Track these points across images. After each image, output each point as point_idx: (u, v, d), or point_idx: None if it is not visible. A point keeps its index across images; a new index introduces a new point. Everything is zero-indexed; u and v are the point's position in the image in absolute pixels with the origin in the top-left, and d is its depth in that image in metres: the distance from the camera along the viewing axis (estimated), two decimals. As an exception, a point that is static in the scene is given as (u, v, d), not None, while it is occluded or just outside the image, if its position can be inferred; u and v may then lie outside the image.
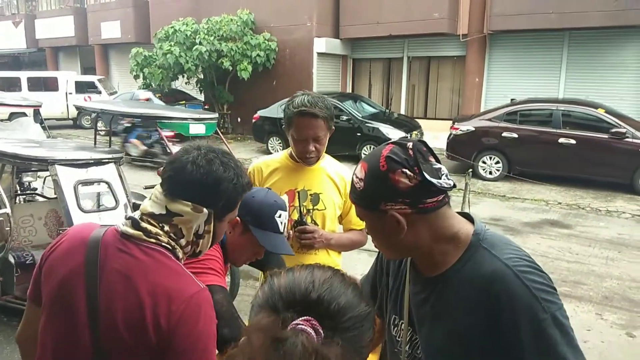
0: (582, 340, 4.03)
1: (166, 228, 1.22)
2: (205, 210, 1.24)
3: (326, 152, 2.34)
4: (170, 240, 1.23)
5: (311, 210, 2.24)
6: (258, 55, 14.82)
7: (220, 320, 1.36)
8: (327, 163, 2.32)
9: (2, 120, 10.35)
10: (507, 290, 1.04)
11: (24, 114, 8.36)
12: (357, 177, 1.14)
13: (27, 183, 5.76)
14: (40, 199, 5.51)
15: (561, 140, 9.32)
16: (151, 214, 1.23)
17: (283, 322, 0.76)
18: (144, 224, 1.22)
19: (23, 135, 6.07)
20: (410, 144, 1.10)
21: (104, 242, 1.22)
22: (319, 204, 2.23)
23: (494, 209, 8.31)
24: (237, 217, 1.71)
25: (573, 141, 9.24)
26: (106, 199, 4.05)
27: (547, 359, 1.02)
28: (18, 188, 5.37)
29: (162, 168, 1.31)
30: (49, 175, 4.35)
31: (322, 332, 0.75)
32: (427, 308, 1.17)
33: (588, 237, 6.89)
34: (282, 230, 1.76)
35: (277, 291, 0.82)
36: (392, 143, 1.12)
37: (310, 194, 2.23)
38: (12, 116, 10.89)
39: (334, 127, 2.21)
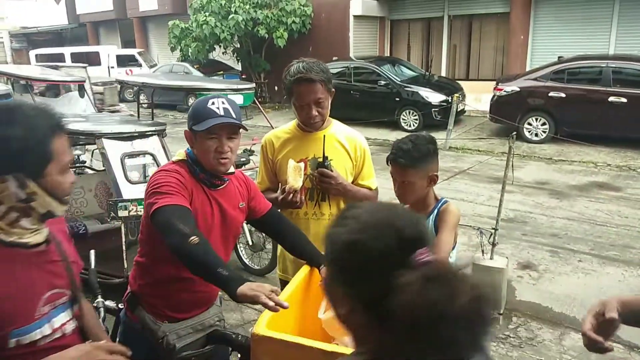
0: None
1: None
2: (9, 177, 1.20)
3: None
4: None
5: None
6: (294, 21, 14.65)
7: (168, 232, 1.58)
8: (336, 129, 2.33)
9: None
10: None
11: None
12: None
13: (76, 156, 5.99)
14: (89, 171, 5.72)
15: (611, 99, 8.89)
16: None
17: (407, 262, 0.83)
18: None
19: (71, 110, 6.27)
20: None
21: None
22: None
23: (539, 172, 8.07)
24: (186, 130, 1.82)
25: (624, 100, 8.79)
26: (151, 170, 4.16)
27: None
28: (68, 161, 5.59)
29: None
30: (97, 149, 4.50)
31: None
32: None
33: (639, 199, 6.63)
34: (221, 114, 1.76)
35: (382, 231, 0.86)
36: None
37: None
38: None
39: (334, 90, 2.22)
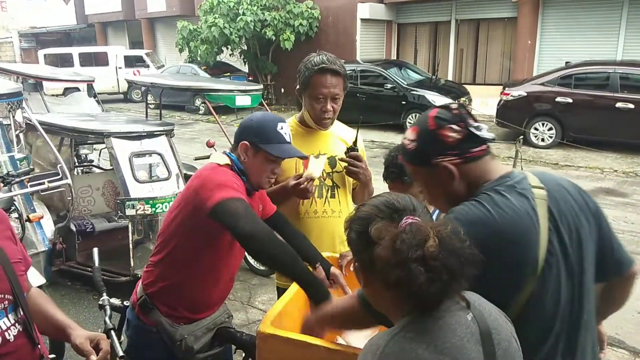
0: (637, 312, 3.93)
1: None
2: None
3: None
4: None
5: (331, 174, 2.23)
6: (301, 24, 14.70)
7: (241, 219, 1.57)
8: (335, 126, 2.29)
9: (56, 95, 10.77)
10: None
11: (77, 89, 8.68)
12: (408, 140, 1.31)
13: (84, 155, 6.03)
14: (97, 170, 5.77)
15: (619, 104, 8.86)
16: None
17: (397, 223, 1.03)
18: None
19: (78, 110, 6.32)
20: (454, 106, 1.30)
21: None
22: (336, 166, 2.22)
23: (545, 177, 8.05)
24: (245, 142, 1.78)
25: (631, 105, 8.77)
26: (159, 170, 4.19)
27: None
28: (76, 160, 5.63)
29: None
30: (105, 148, 4.53)
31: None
32: None
33: (646, 205, 6.61)
34: (288, 141, 1.81)
35: (380, 208, 1.07)
36: (437, 107, 1.31)
37: (327, 158, 2.20)
38: (66, 91, 11.32)
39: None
